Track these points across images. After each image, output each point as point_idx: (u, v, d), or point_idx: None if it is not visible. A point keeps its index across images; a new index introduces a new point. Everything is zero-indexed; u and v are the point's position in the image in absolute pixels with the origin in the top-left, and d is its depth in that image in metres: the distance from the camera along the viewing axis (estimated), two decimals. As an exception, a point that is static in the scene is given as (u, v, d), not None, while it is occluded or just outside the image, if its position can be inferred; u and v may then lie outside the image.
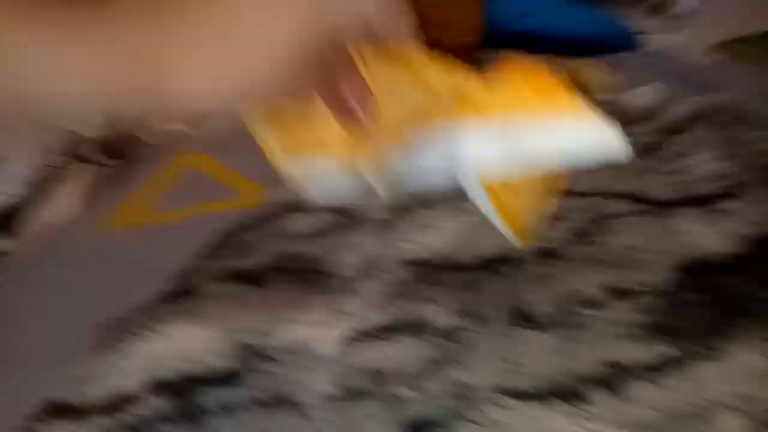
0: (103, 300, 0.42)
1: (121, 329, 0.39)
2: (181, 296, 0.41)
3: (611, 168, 0.55)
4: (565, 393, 0.36)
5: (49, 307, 0.44)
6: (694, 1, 0.89)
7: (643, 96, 0.73)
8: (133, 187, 0.56)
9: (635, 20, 0.89)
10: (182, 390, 0.36)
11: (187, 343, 0.38)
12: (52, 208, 0.58)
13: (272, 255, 0.45)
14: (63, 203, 0.58)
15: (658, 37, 0.94)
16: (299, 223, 0.49)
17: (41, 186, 0.60)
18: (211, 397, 0.36)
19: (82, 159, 0.70)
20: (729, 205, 0.49)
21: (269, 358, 0.37)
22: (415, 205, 0.49)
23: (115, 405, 0.35)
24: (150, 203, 0.53)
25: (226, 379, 0.37)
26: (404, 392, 0.36)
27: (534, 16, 0.93)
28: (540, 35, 0.92)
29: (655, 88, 0.75)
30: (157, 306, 0.41)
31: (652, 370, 0.37)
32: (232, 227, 0.49)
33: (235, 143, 0.63)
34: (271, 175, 0.55)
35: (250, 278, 0.42)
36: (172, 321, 0.39)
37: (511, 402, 0.35)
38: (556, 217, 0.50)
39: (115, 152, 0.73)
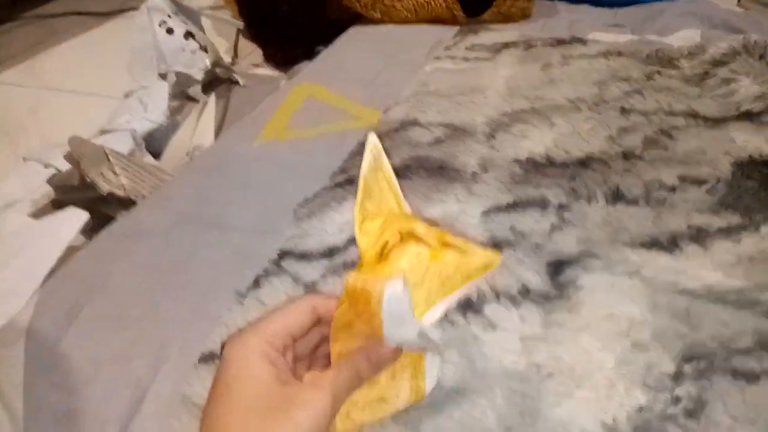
0: (287, 190, 0.51)
1: (313, 205, 0.48)
2: (347, 184, 0.50)
3: (668, 91, 0.65)
4: (664, 245, 0.44)
5: (247, 197, 0.52)
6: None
7: (683, 37, 0.82)
8: (267, 114, 0.64)
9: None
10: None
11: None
12: (189, 134, 0.67)
13: (405, 158, 0.54)
14: (200, 130, 0.67)
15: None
16: (419, 135, 0.58)
17: (173, 117, 0.70)
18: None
19: (189, 98, 0.80)
20: (770, 118, 0.59)
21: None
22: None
23: (329, 252, 0.44)
24: (285, 124, 0.62)
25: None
26: (541, 241, 0.45)
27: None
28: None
29: (692, 31, 0.85)
30: (334, 190, 0.50)
31: (726, 232, 0.46)
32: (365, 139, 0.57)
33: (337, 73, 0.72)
34: (376, 99, 0.64)
35: (396, 173, 0.51)
36: (348, 199, 0.48)
37: (625, 249, 0.44)
38: (630, 129, 0.59)
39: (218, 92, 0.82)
